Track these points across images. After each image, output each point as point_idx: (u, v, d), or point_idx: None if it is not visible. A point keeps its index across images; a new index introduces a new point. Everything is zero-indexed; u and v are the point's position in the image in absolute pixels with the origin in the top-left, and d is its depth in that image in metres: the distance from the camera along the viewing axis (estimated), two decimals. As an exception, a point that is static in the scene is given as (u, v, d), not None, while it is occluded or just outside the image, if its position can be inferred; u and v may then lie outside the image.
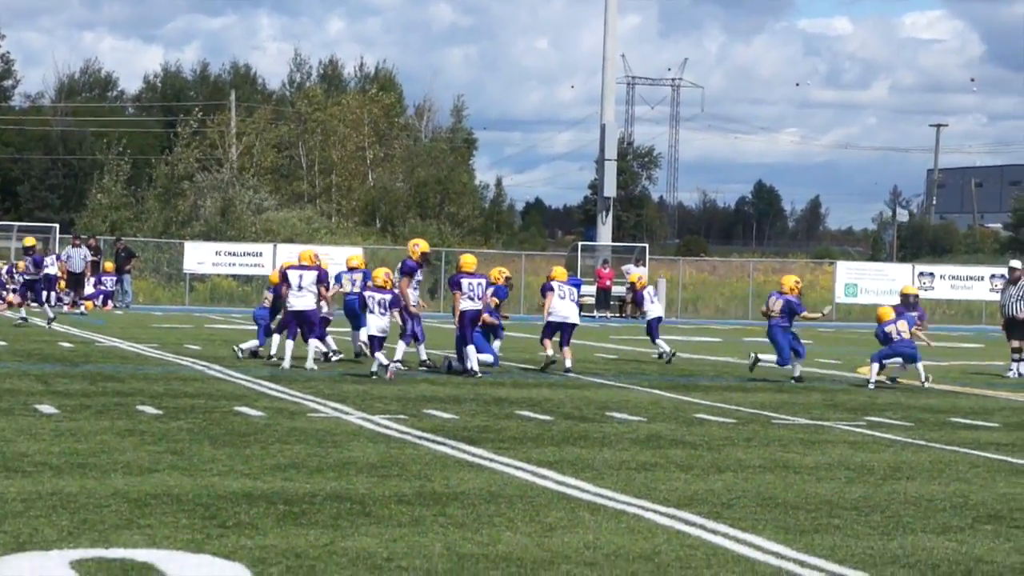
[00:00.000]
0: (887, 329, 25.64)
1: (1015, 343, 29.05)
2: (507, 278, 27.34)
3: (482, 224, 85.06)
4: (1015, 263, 30.69)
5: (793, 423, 19.30)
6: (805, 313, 26.22)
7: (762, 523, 11.71)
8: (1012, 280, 29.47)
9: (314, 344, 25.56)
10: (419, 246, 26.58)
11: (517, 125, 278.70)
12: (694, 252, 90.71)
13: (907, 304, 26.89)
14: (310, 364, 25.08)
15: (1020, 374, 28.64)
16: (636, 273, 29.62)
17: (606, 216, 61.65)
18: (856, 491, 13.54)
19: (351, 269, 28.50)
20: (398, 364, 24.66)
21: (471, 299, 25.11)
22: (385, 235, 72.79)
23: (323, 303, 26.02)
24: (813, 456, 15.97)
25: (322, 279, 25.60)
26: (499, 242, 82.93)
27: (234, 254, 57.20)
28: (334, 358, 26.46)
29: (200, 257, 56.98)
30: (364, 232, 73.18)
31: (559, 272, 28.08)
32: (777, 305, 26.00)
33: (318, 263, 25.88)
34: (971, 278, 56.78)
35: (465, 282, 25.22)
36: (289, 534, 10.59)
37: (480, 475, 13.82)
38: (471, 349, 25.01)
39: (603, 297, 55.92)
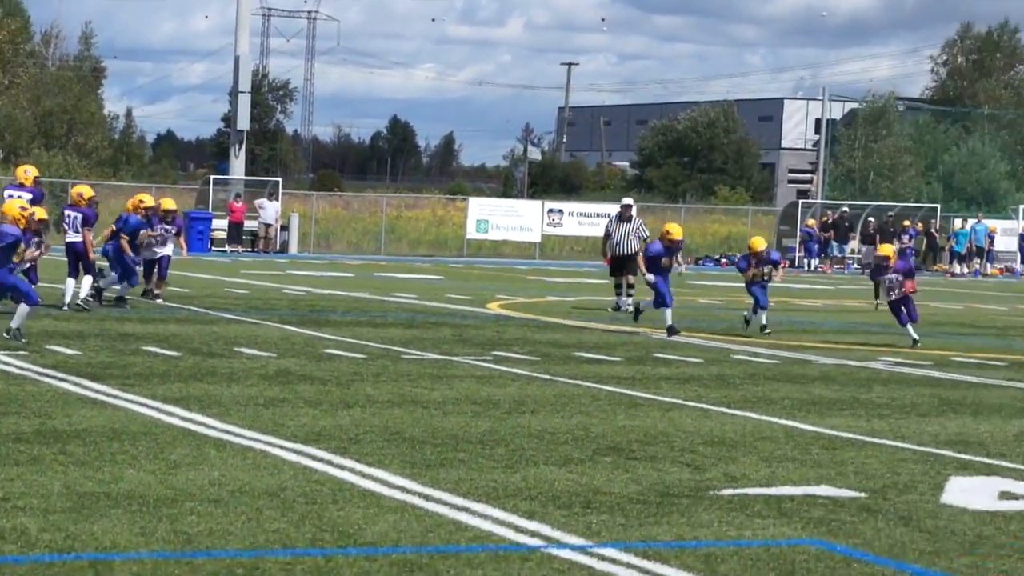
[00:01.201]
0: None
1: (630, 278, 29.70)
2: (147, 209, 26.58)
3: (111, 156, 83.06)
4: (627, 200, 31.60)
5: (422, 358, 19.47)
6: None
7: (389, 458, 11.79)
8: (625, 217, 30.13)
9: None
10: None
11: (149, 55, 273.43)
12: (328, 187, 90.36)
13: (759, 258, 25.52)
14: None
15: (626, 307, 29.27)
16: (143, 197, 27.05)
17: (239, 149, 60.92)
18: (482, 425, 13.74)
19: None
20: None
21: (66, 230, 24.89)
22: (8, 165, 70.44)
23: None
24: (441, 391, 16.14)
25: None
26: (129, 174, 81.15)
27: None
28: None
29: None
30: (-14, 162, 70.70)
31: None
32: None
33: None
34: (598, 215, 58.06)
35: (65, 213, 25.15)
36: (-101, 476, 10.18)
37: (103, 412, 13.54)
38: (70, 282, 24.65)
39: (235, 231, 55.35)
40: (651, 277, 24.15)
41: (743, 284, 25.96)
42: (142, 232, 26.00)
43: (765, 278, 25.20)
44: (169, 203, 27.56)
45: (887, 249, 24.72)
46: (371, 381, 16.79)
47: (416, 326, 24.48)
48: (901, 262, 24.20)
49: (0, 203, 24.92)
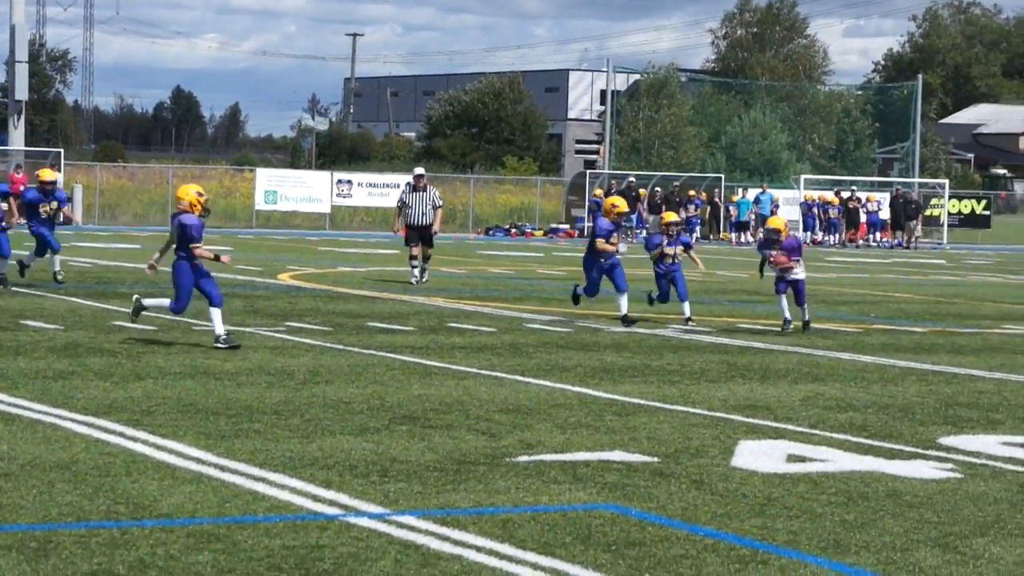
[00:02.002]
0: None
1: (428, 251, 28.81)
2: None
3: None
4: (419, 170, 30.40)
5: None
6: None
7: (183, 429, 11.67)
8: (419, 187, 28.91)
9: None
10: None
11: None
12: (111, 158, 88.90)
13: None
14: None
15: (420, 279, 28.46)
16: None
17: (18, 120, 59.61)
18: (276, 395, 13.67)
19: None
20: None
21: None
22: None
23: None
24: (234, 362, 16.01)
25: None
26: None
27: None
28: None
29: None
30: None
31: None
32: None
33: None
34: (387, 185, 58.00)
35: None
36: None
37: None
38: None
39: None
40: (618, 250, 22.00)
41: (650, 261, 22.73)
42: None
43: (675, 260, 22.14)
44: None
45: (778, 222, 22.50)
46: (162, 353, 16.59)
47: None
48: (791, 239, 21.96)
49: None
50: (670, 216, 22.97)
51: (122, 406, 12.69)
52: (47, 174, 26.14)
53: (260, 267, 32.63)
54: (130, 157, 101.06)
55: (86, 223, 54.96)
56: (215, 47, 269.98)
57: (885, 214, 60.81)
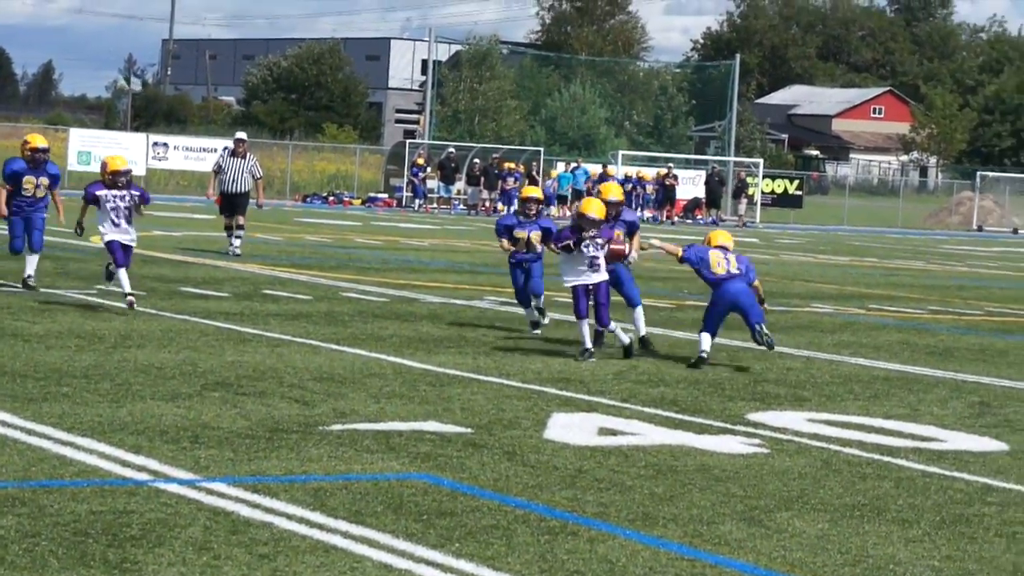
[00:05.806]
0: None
1: (240, 219, 27.18)
2: None
3: None
4: (241, 134, 28.93)
5: (23, 291, 18.93)
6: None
7: (-11, 392, 11.46)
8: (239, 153, 27.67)
9: None
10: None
11: None
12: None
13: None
14: None
15: (233, 252, 26.97)
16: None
17: None
18: (86, 359, 13.47)
19: None
20: None
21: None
22: None
23: None
24: (43, 324, 15.74)
25: None
26: None
27: None
28: None
29: None
30: None
31: None
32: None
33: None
34: (204, 149, 57.32)
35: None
36: None
37: None
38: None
39: None
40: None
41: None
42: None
43: (529, 249, 17.58)
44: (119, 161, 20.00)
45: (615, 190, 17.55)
46: (-32, 314, 16.26)
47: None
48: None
49: None
50: (529, 191, 18.23)
51: (-74, 367, 12.43)
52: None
53: (71, 228, 31.93)
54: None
55: None
56: (30, 3, 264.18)
57: (700, 192, 61.41)
